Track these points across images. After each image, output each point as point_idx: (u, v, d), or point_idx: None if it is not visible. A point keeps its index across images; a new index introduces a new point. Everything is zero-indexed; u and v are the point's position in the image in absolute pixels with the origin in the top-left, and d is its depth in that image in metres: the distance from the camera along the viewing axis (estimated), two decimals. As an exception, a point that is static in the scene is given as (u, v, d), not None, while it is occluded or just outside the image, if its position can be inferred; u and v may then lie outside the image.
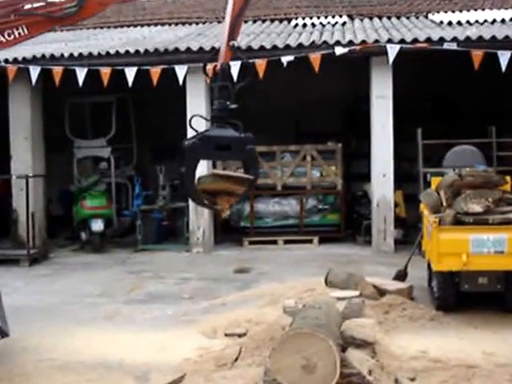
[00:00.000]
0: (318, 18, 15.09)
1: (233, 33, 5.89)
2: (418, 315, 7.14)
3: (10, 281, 9.55)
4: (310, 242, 12.66)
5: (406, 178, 13.03)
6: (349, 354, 4.81)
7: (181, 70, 11.31)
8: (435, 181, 8.47)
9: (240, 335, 6.37)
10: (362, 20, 14.63)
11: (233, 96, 5.80)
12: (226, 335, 6.60)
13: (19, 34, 6.42)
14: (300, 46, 11.45)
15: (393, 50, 11.00)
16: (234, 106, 5.86)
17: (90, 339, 6.81)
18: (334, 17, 15.07)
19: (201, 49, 11.52)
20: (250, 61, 11.26)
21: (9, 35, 6.40)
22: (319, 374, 4.17)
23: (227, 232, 13.17)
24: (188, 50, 11.50)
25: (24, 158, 12.46)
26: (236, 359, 5.69)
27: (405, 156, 13.27)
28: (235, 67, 11.02)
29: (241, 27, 6.31)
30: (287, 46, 11.48)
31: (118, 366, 5.89)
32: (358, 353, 4.93)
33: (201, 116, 6.20)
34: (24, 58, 11.97)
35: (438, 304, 7.50)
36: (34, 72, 11.74)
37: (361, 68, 11.93)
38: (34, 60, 11.96)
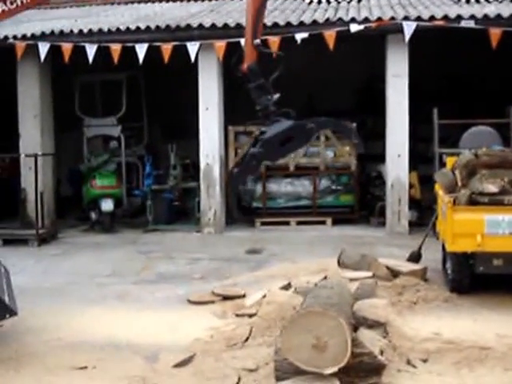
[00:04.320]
0: (334, -6, 14.83)
1: (256, 31, 5.95)
2: (431, 297, 7.04)
3: (19, 260, 9.47)
4: (323, 223, 12.53)
5: (421, 159, 12.87)
6: (360, 333, 4.71)
7: (193, 47, 11.13)
8: (450, 160, 8.32)
9: (251, 315, 6.25)
10: (376, -3, 14.36)
11: (271, 89, 5.83)
12: (237, 315, 6.48)
13: (21, 1, 6.26)
14: (314, 22, 11.23)
15: (409, 28, 10.79)
16: (276, 96, 5.90)
17: (99, 319, 6.74)
18: (349, -7, 14.80)
19: (213, 25, 11.34)
20: (264, 37, 11.09)
21: (11, 3, 6.25)
22: (330, 353, 4.04)
23: (239, 213, 13.00)
24: (200, 26, 11.31)
25: (33, 136, 12.32)
26: (247, 339, 5.60)
27: (420, 136, 13.12)
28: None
29: (262, 25, 6.27)
30: (301, 23, 11.27)
31: (127, 346, 5.79)
32: (369, 333, 4.83)
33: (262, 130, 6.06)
34: (33, 35, 11.82)
35: (452, 286, 7.39)
36: (43, 48, 11.60)
37: (376, 46, 11.73)
38: (43, 36, 11.82)
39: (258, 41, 5.94)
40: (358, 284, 6.30)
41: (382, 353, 4.63)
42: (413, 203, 11.93)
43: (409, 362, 4.92)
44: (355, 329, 4.80)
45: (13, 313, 5.69)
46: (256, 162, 5.80)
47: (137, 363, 5.32)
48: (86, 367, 5.29)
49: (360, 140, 6.20)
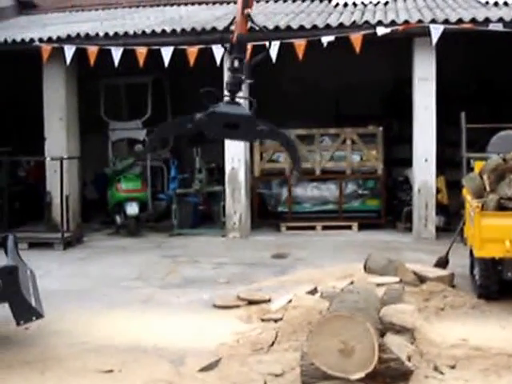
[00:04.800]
0: (361, -4, 14.77)
1: (247, 1, 5.69)
2: (459, 303, 6.96)
3: (44, 264, 9.47)
4: (349, 228, 12.47)
5: (449, 164, 12.74)
6: (387, 339, 4.64)
7: (218, 50, 11.08)
8: (478, 165, 8.21)
9: (276, 320, 6.20)
10: (405, 0, 14.27)
11: (249, 70, 5.63)
12: (263, 320, 6.43)
13: None
14: (341, 25, 11.17)
15: (436, 31, 10.70)
16: (249, 81, 5.76)
17: (125, 323, 6.73)
18: (376, -5, 14.74)
19: (238, 29, 11.29)
20: (290, 40, 11.08)
21: None
22: (357, 358, 3.99)
23: (264, 217, 12.98)
24: (226, 29, 11.20)
25: (58, 139, 12.36)
26: (272, 344, 5.55)
27: (448, 141, 12.99)
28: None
29: None
30: (327, 26, 11.21)
31: (153, 350, 5.76)
32: (396, 338, 4.76)
33: (213, 90, 5.83)
34: (58, 37, 11.88)
35: (479, 292, 7.28)
36: (69, 51, 11.65)
37: (403, 49, 11.63)
38: (69, 39, 11.86)
39: (249, 10, 5.67)
40: (385, 289, 6.21)
41: (409, 359, 4.57)
42: (440, 208, 11.84)
43: (436, 369, 4.85)
44: (382, 334, 4.73)
45: (39, 315, 5.69)
46: (192, 125, 5.52)
47: (162, 367, 5.28)
48: (111, 371, 5.26)
49: (300, 173, 6.42)
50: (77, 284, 8.55)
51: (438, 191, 11.93)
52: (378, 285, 6.71)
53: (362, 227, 12.42)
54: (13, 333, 6.10)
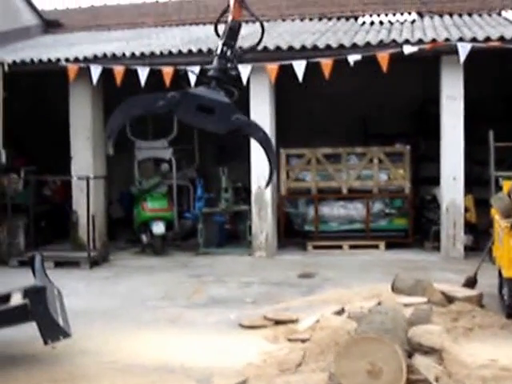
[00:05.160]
0: (386, 15, 14.82)
1: None
2: (487, 323, 6.85)
3: (71, 283, 9.48)
4: (377, 247, 12.40)
5: (477, 182, 12.62)
6: (415, 360, 4.59)
7: (244, 70, 11.09)
8: (507, 184, 8.14)
9: (303, 340, 6.14)
10: (431, 18, 14.29)
11: (236, 59, 5.42)
12: (290, 340, 6.37)
13: None
14: (367, 44, 11.16)
15: (464, 49, 10.64)
16: (234, 73, 5.50)
17: (151, 342, 6.71)
18: (402, 14, 14.80)
19: (265, 48, 11.32)
20: (316, 60, 11.07)
21: None
22: (384, 380, 3.95)
23: (291, 236, 12.94)
24: (251, 48, 11.26)
25: (85, 158, 12.44)
26: (300, 364, 5.49)
27: (476, 159, 12.88)
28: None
29: None
30: (354, 45, 11.20)
31: (180, 369, 5.75)
32: (424, 359, 4.70)
33: (192, 71, 5.87)
34: (85, 57, 11.99)
35: (508, 312, 7.20)
36: (95, 71, 11.74)
37: (431, 67, 11.60)
38: (95, 59, 11.97)
39: None
40: (413, 310, 6.14)
41: (437, 379, 4.49)
42: (468, 227, 11.74)
43: (465, 389, 4.77)
44: (410, 355, 4.67)
45: (66, 334, 5.70)
46: (164, 102, 5.23)
47: (189, 387, 5.26)
48: (138, 390, 5.25)
49: (271, 177, 5.76)
50: (103, 303, 8.55)
51: (467, 210, 11.83)
52: (406, 305, 6.64)
53: (389, 246, 12.34)
54: (40, 351, 6.11)
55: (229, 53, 5.37)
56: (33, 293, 5.65)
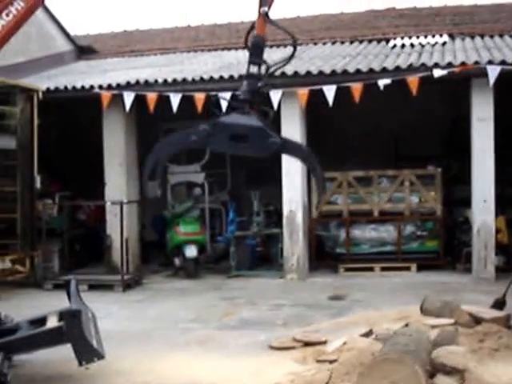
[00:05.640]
0: (418, 37, 14.90)
1: None
2: (513, 344, 6.77)
3: (105, 306, 9.63)
4: (408, 269, 12.42)
5: (509, 203, 12.58)
6: (437, 380, 4.64)
7: (275, 95, 11.25)
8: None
9: (331, 361, 6.20)
10: (463, 39, 14.35)
11: (265, 76, 5.11)
12: (318, 361, 6.43)
13: (16, 9, 6.17)
14: (397, 68, 11.27)
15: (493, 72, 10.71)
16: (266, 88, 5.19)
17: (183, 363, 6.80)
18: (434, 36, 14.87)
19: (296, 73, 11.48)
20: (346, 84, 11.18)
21: (7, 15, 6.16)
22: (405, 399, 3.98)
23: (322, 259, 13.01)
24: (282, 74, 11.39)
25: (118, 183, 12.66)
26: (326, 384, 5.52)
27: (508, 180, 12.83)
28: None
29: None
30: (384, 69, 11.31)
31: (210, 390, 5.81)
32: (446, 379, 4.75)
33: (223, 98, 5.50)
34: (118, 84, 12.24)
35: (534, 333, 7.13)
36: (128, 98, 11.98)
37: (461, 88, 11.65)
38: (128, 86, 12.22)
39: (265, 9, 5.12)
40: (439, 331, 6.16)
41: (458, 400, 4.53)
42: (500, 248, 11.73)
43: (486, 408, 4.79)
44: (432, 375, 4.71)
45: (100, 356, 5.83)
46: (195, 137, 5.02)
47: (218, 409, 5.35)
48: (170, 411, 5.35)
49: (321, 200, 5.45)
50: (136, 325, 8.68)
51: (498, 231, 11.83)
52: (433, 326, 6.66)
53: (420, 268, 12.36)
54: (75, 372, 6.22)
55: (253, 69, 5.11)
56: (68, 316, 5.80)
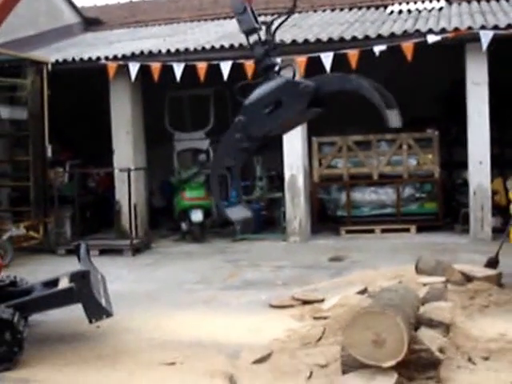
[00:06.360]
0: (415, 2, 15.03)
1: None
2: (503, 301, 7.11)
3: (114, 269, 10.02)
4: (408, 230, 12.74)
5: (509, 165, 12.83)
6: (420, 332, 5.01)
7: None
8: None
9: (326, 318, 6.58)
10: (459, 4, 14.45)
11: (270, 38, 4.96)
12: (314, 318, 6.83)
13: None
14: (392, 35, 11.48)
15: (486, 37, 10.89)
16: (276, 51, 4.99)
17: (187, 321, 7.20)
18: (431, 1, 14.97)
19: (294, 41, 11.73)
20: (343, 51, 11.44)
21: None
22: (388, 349, 4.37)
23: (324, 221, 13.36)
24: (281, 42, 11.60)
25: (126, 151, 12.99)
26: (320, 338, 5.95)
27: (507, 142, 13.07)
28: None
29: None
30: (379, 36, 11.54)
31: (212, 345, 6.19)
32: (429, 332, 5.11)
33: (250, 82, 5.19)
34: (123, 55, 12.51)
35: (525, 290, 7.43)
36: (134, 68, 12.26)
37: (458, 52, 11.81)
38: (133, 56, 12.48)
39: None
40: (428, 288, 6.53)
41: (440, 350, 4.91)
42: (498, 209, 11.96)
43: (470, 360, 5.15)
44: (417, 328, 5.10)
45: (109, 314, 6.22)
46: (239, 134, 4.86)
47: (220, 360, 5.74)
48: (174, 363, 5.76)
49: (396, 111, 4.95)
50: (144, 287, 9.09)
51: (496, 192, 12.05)
52: (425, 284, 6.99)
53: (420, 230, 12.66)
54: (86, 331, 6.67)
55: (258, 36, 5.03)
56: (77, 277, 6.21)
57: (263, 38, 5.06)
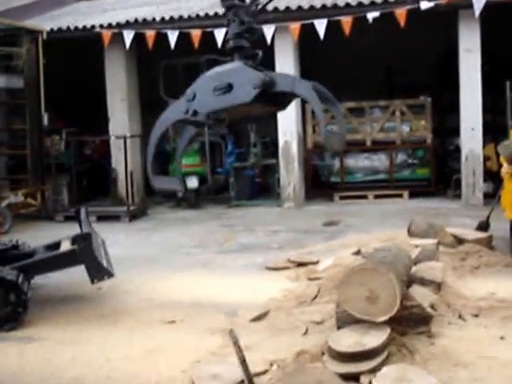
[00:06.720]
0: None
1: None
2: (493, 262, 7.28)
3: (112, 235, 10.06)
4: (400, 196, 12.90)
5: (501, 132, 12.94)
6: (413, 289, 5.19)
7: (268, 30, 11.59)
8: (513, 132, 8.55)
9: (321, 278, 6.76)
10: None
11: (249, 19, 4.86)
12: (309, 279, 7.01)
13: None
14: (385, 1, 11.50)
15: (479, 3, 10.92)
16: (256, 34, 4.91)
17: (185, 283, 7.38)
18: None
19: (287, 8, 11.78)
20: (336, 18, 11.50)
21: None
22: (381, 304, 4.54)
23: (318, 188, 13.51)
24: (275, 9, 11.68)
25: (121, 119, 13.10)
26: (315, 297, 6.15)
27: (500, 109, 13.18)
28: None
29: None
30: (372, 3, 11.56)
31: (211, 305, 6.38)
32: (421, 289, 5.30)
33: (216, 57, 5.11)
34: (118, 23, 12.55)
35: (513, 251, 7.61)
36: (128, 36, 12.31)
37: (451, 20, 11.88)
38: (128, 24, 12.52)
39: None
40: (420, 249, 6.70)
41: (432, 306, 5.11)
42: (489, 175, 12.06)
43: (460, 317, 5.35)
44: (409, 286, 5.29)
45: (110, 274, 6.39)
46: (186, 106, 4.85)
47: (218, 318, 5.94)
48: (174, 321, 5.95)
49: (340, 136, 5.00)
50: (142, 251, 9.28)
51: (488, 158, 12.17)
52: (417, 246, 7.15)
53: (412, 195, 12.81)
54: (88, 292, 6.87)
55: (237, 14, 4.93)
56: (80, 239, 6.36)
57: (243, 18, 4.97)
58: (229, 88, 4.72)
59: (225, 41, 5.11)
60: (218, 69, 4.87)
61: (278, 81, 4.86)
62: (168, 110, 5.28)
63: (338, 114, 5.24)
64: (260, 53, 4.98)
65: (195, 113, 4.90)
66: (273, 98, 4.93)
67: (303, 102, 12.67)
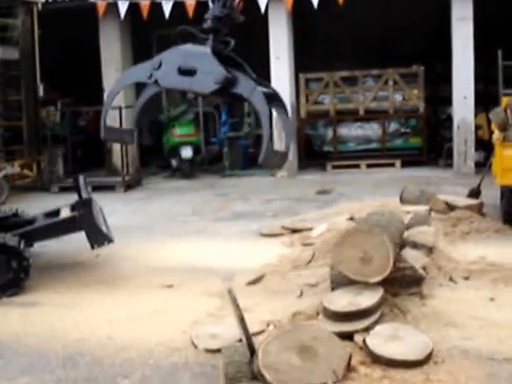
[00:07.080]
0: None
1: None
2: (484, 228, 7.43)
3: (108, 204, 10.04)
4: (393, 165, 13.04)
5: (493, 101, 13.03)
6: (405, 252, 5.33)
7: (263, 1, 11.62)
8: (505, 100, 8.60)
9: (316, 243, 6.91)
10: None
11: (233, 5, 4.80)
12: (304, 245, 7.15)
13: None
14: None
15: (471, -29, 10.99)
16: (239, 18, 4.84)
17: (182, 250, 7.52)
18: None
19: (281, -23, 11.81)
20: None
21: None
22: (375, 265, 4.68)
23: (311, 157, 13.63)
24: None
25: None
26: (310, 261, 6.28)
27: (492, 78, 13.26)
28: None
29: None
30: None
31: (207, 270, 6.50)
32: (413, 252, 5.44)
33: (190, 29, 5.09)
34: (112, -6, 12.54)
35: (504, 218, 7.78)
36: (123, 6, 12.35)
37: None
38: (122, -6, 12.49)
39: None
40: (412, 215, 6.83)
41: (424, 269, 5.26)
42: (481, 144, 12.16)
43: (451, 279, 5.51)
44: (402, 249, 5.43)
45: (110, 240, 6.47)
46: (150, 72, 4.90)
47: (215, 282, 6.05)
48: (172, 285, 6.09)
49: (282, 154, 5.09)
50: (138, 220, 9.42)
51: (479, 127, 12.30)
52: (409, 212, 7.30)
53: (404, 164, 12.96)
54: (86, 259, 7.02)
55: None
56: (80, 205, 6.44)
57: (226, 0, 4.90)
58: (192, 73, 4.77)
59: (204, 20, 5.05)
60: (188, 47, 4.91)
61: (239, 82, 4.87)
62: (134, 69, 5.48)
63: (284, 122, 5.43)
64: (233, 42, 4.92)
65: (156, 82, 4.99)
66: (230, 94, 4.97)
67: (296, 72, 12.80)
